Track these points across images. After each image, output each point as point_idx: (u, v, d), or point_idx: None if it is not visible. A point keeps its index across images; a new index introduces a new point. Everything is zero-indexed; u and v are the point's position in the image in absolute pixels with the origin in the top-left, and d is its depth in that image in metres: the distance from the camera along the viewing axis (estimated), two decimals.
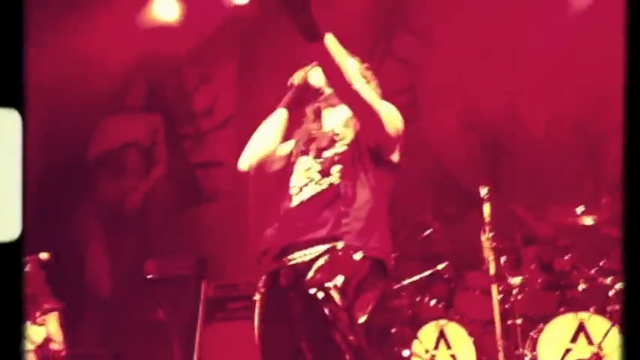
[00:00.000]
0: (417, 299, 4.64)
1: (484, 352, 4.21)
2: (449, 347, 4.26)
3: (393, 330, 4.60)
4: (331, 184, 2.36)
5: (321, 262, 2.21)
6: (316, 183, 2.39)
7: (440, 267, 4.64)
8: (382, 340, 4.56)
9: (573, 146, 5.52)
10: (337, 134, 2.50)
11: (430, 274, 4.67)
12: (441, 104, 5.87)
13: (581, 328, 3.90)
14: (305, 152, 2.54)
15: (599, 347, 3.82)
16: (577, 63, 5.23)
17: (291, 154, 2.60)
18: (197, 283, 4.65)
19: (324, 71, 2.37)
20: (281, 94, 2.67)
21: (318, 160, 2.45)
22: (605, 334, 3.80)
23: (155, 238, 6.29)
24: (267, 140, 2.54)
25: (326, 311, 2.10)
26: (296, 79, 2.61)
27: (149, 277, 5.07)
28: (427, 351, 4.29)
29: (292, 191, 2.45)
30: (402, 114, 2.52)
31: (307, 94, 2.59)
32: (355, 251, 2.23)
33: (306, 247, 2.27)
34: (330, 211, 2.30)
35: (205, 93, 6.69)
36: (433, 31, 5.96)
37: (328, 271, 2.18)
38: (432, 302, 4.62)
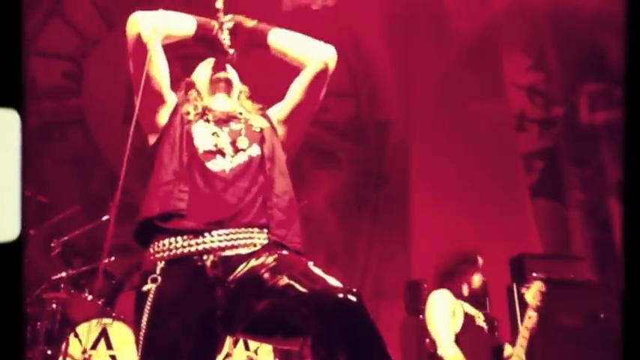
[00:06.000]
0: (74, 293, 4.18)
1: None
2: (109, 347, 3.97)
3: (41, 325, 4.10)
4: (251, 158, 1.98)
5: (270, 260, 1.82)
6: (235, 152, 1.98)
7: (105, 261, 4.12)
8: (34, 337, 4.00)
9: None
10: (240, 113, 2.11)
11: (93, 270, 4.30)
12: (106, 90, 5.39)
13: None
14: (202, 116, 2.06)
15: None
16: None
17: (178, 110, 2.08)
18: None
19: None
20: None
21: (224, 130, 2.03)
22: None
23: None
24: (178, 21, 2.07)
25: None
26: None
27: None
28: (85, 351, 3.92)
29: (201, 148, 1.96)
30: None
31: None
32: (281, 246, 1.89)
33: (234, 229, 1.85)
34: (258, 191, 1.93)
35: None
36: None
37: (275, 272, 1.80)
38: (89, 298, 4.21)
